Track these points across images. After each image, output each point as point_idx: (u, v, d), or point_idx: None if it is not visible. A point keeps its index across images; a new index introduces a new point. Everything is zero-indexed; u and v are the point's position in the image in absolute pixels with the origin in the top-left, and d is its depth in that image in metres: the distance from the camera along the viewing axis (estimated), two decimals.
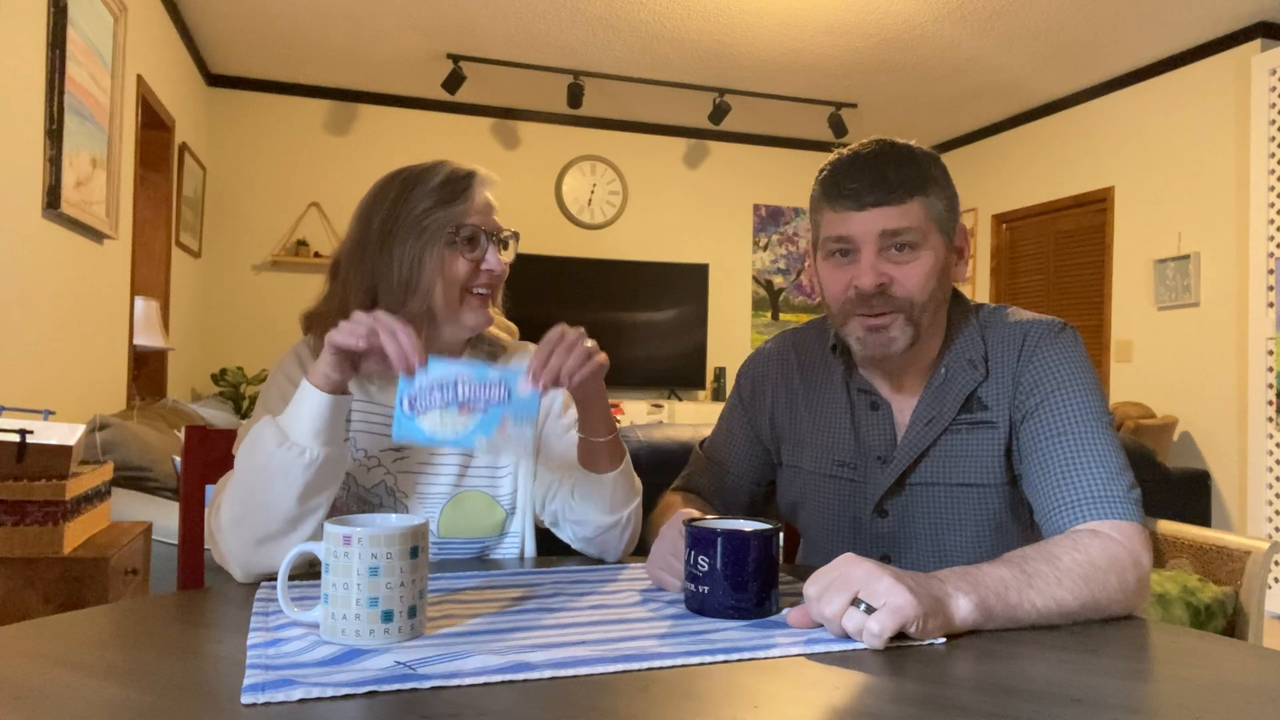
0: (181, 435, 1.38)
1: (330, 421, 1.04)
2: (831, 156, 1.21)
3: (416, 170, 1.22)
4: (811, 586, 0.87)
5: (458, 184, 1.20)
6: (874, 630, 0.81)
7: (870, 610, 0.82)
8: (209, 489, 1.35)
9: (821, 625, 0.87)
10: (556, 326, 1.07)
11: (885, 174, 1.13)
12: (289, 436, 1.03)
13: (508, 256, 1.25)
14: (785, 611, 0.91)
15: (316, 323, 1.23)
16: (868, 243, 1.14)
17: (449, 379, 0.98)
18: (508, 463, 1.27)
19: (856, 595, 0.83)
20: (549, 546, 1.31)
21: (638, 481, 1.25)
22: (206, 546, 1.34)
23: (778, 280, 6.62)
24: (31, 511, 1.63)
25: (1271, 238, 4.09)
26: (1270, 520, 4.08)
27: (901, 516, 1.21)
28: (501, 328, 1.34)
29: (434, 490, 1.22)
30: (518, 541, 1.27)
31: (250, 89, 5.58)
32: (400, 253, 1.18)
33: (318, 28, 4.70)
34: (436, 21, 4.58)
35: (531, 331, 1.40)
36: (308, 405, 1.03)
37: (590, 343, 1.08)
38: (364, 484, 1.20)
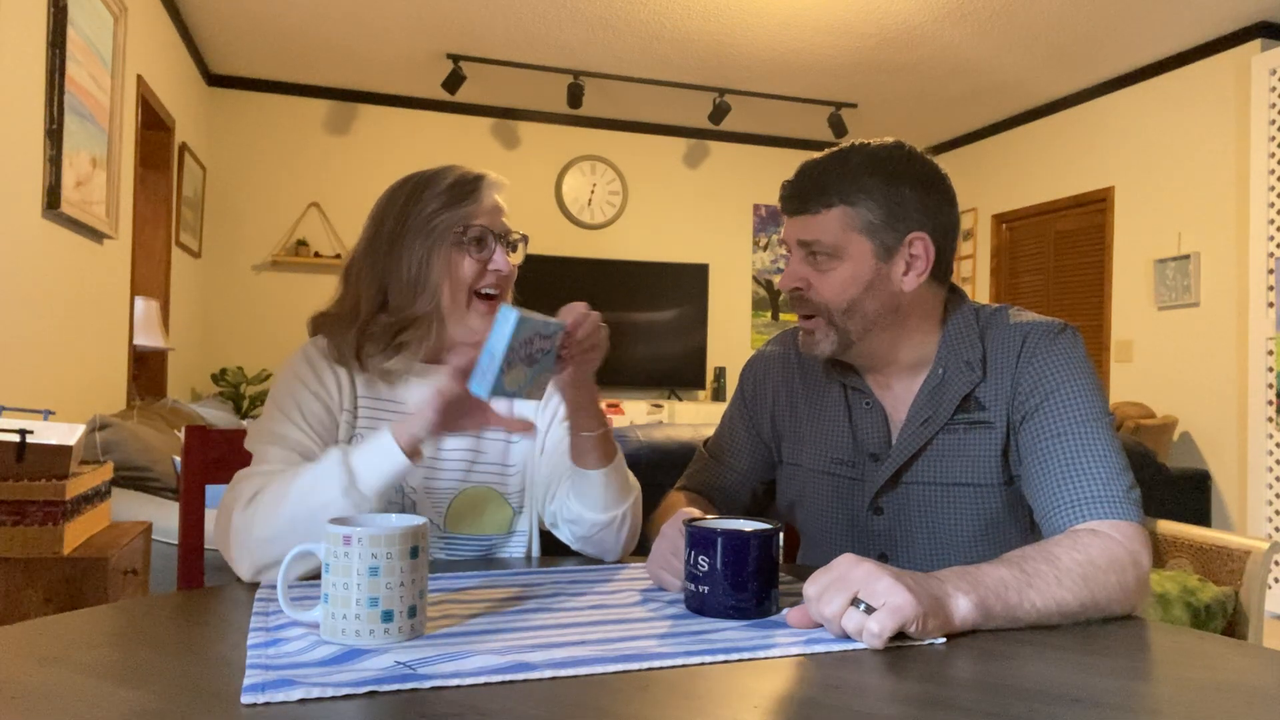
0: (181, 435, 1.38)
1: (398, 481, 1.06)
2: None
3: (428, 174, 1.25)
4: (811, 586, 0.87)
5: (466, 186, 1.22)
6: (874, 630, 0.81)
7: (870, 610, 0.82)
8: (209, 489, 1.35)
9: (821, 625, 0.87)
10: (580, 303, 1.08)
11: (805, 185, 1.19)
12: (357, 485, 1.02)
13: (516, 259, 1.26)
14: (785, 611, 0.91)
15: (327, 324, 1.25)
16: (794, 248, 1.21)
17: (530, 335, 1.00)
18: (516, 461, 1.28)
19: (856, 595, 0.83)
20: (551, 547, 1.31)
21: (633, 479, 1.25)
22: (208, 547, 1.34)
23: (778, 280, 6.61)
24: (31, 511, 1.63)
25: (1271, 238, 4.09)
26: (1270, 520, 4.08)
27: (897, 515, 1.22)
28: None
29: (442, 485, 1.23)
30: (524, 541, 1.28)
31: (250, 89, 5.58)
32: (409, 253, 1.20)
33: (318, 28, 4.70)
34: (436, 21, 4.58)
35: None
36: (386, 464, 1.02)
37: (605, 329, 1.11)
38: None
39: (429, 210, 1.21)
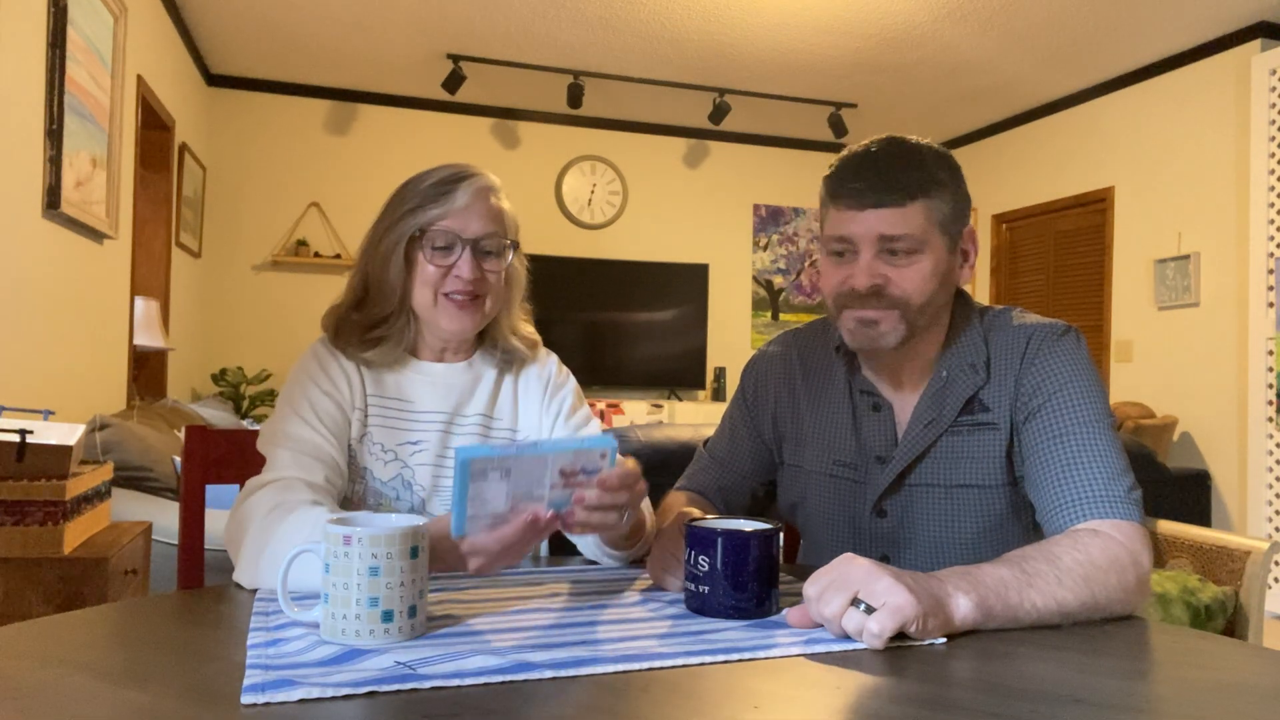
0: (181, 435, 1.38)
1: None
2: (844, 151, 1.20)
3: (423, 172, 1.25)
4: (811, 586, 0.87)
5: (442, 186, 1.21)
6: (874, 630, 0.81)
7: (870, 610, 0.82)
8: (209, 489, 1.35)
9: (821, 625, 0.87)
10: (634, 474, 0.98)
11: (887, 176, 1.13)
12: None
13: (494, 265, 1.24)
14: (785, 611, 0.91)
15: (326, 316, 1.26)
16: (866, 244, 1.14)
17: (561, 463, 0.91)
18: None
19: (856, 595, 0.83)
20: (560, 546, 1.31)
21: (651, 518, 1.21)
22: (209, 547, 1.34)
23: (778, 280, 6.62)
24: (31, 511, 1.63)
25: (1271, 238, 4.09)
26: (1270, 520, 4.08)
27: (901, 517, 1.22)
28: (522, 336, 1.34)
29: (450, 484, 1.23)
30: None
31: (250, 89, 5.57)
32: (383, 251, 1.22)
33: (318, 28, 4.70)
34: (436, 21, 4.58)
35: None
36: None
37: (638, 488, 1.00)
38: (380, 477, 1.22)
39: (404, 209, 1.21)
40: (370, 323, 1.23)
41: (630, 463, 0.99)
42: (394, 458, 1.22)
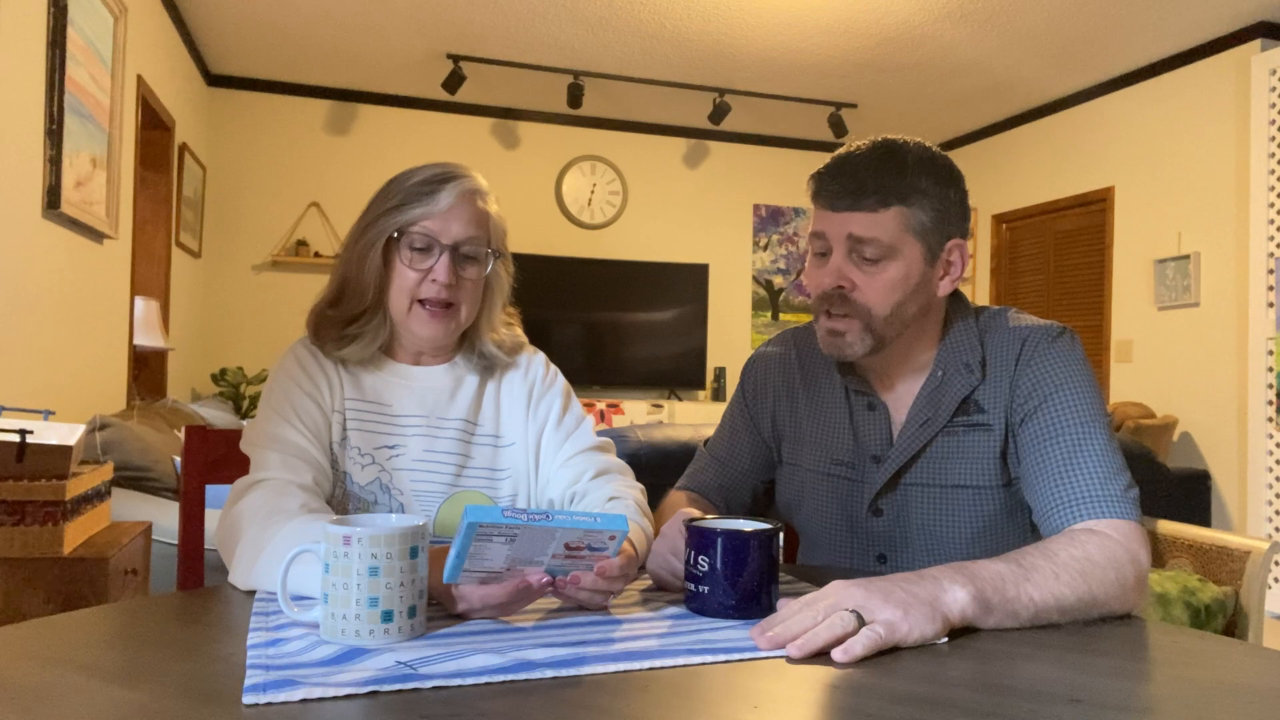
0: (181, 435, 1.38)
1: None
2: (838, 150, 1.20)
3: (409, 170, 1.23)
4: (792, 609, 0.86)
5: (427, 185, 1.18)
6: (855, 651, 0.79)
7: (863, 621, 0.82)
8: (209, 489, 1.35)
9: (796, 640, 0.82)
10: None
11: (862, 180, 1.13)
12: None
13: (473, 272, 1.21)
14: (750, 630, 0.87)
15: (310, 316, 1.25)
16: (838, 244, 1.16)
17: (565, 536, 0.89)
18: (507, 466, 1.27)
19: (850, 610, 0.83)
20: None
21: (649, 527, 1.17)
22: (208, 547, 1.34)
23: (778, 280, 6.62)
24: (31, 511, 1.63)
25: (1271, 238, 4.09)
26: (1270, 520, 4.08)
27: (897, 516, 1.22)
28: (503, 340, 1.30)
29: (429, 489, 1.22)
30: None
31: (250, 89, 5.57)
32: (360, 248, 1.20)
33: (318, 28, 4.70)
34: (436, 21, 4.58)
35: (529, 332, 1.39)
36: None
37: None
38: (359, 481, 1.20)
39: (386, 207, 1.19)
40: (345, 320, 1.22)
41: (630, 549, 0.98)
42: (371, 461, 1.21)
